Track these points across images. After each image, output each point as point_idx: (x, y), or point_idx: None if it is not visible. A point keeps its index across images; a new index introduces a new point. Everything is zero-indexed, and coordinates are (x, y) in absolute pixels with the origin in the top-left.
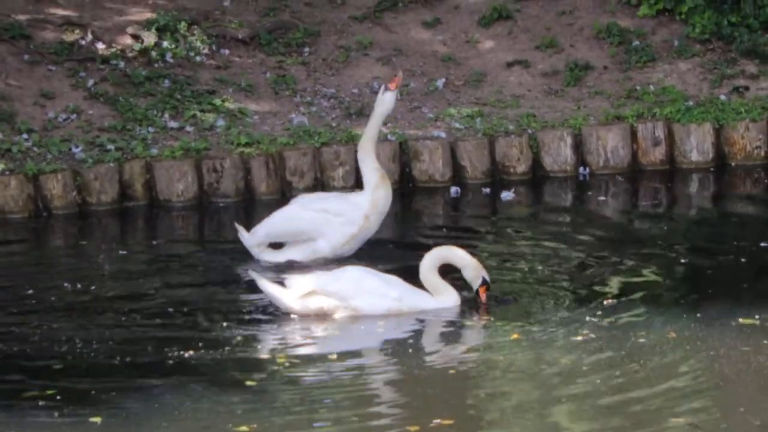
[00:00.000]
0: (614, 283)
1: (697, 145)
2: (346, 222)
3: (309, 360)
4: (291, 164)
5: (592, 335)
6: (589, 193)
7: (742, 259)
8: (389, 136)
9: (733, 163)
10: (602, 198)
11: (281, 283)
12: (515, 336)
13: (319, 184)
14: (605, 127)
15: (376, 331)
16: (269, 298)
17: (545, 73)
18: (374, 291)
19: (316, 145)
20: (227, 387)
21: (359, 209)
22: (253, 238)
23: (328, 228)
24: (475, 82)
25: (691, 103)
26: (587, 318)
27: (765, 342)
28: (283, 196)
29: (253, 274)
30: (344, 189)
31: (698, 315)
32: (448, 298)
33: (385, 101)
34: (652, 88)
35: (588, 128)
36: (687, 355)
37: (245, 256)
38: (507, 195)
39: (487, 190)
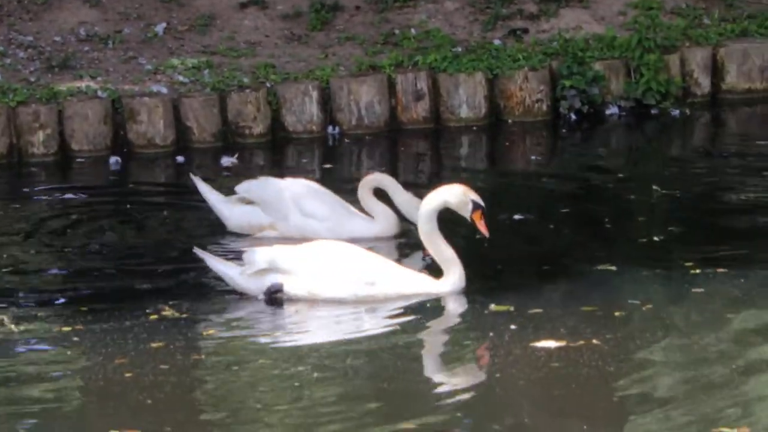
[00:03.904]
0: None
1: (467, 99)
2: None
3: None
4: None
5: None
6: (339, 157)
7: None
8: (99, 93)
9: (509, 120)
10: (352, 163)
11: (237, 260)
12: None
13: (15, 151)
14: (358, 79)
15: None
16: (222, 277)
17: (286, 15)
18: (342, 273)
19: (11, 105)
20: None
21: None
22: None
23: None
24: (202, 26)
25: (459, 49)
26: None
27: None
28: None
29: (199, 252)
30: (45, 157)
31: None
32: (438, 284)
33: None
34: (413, 31)
35: (337, 80)
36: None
37: None
38: (227, 160)
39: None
